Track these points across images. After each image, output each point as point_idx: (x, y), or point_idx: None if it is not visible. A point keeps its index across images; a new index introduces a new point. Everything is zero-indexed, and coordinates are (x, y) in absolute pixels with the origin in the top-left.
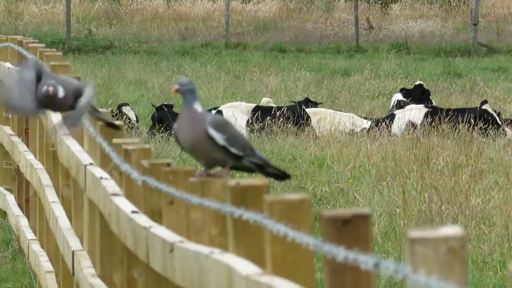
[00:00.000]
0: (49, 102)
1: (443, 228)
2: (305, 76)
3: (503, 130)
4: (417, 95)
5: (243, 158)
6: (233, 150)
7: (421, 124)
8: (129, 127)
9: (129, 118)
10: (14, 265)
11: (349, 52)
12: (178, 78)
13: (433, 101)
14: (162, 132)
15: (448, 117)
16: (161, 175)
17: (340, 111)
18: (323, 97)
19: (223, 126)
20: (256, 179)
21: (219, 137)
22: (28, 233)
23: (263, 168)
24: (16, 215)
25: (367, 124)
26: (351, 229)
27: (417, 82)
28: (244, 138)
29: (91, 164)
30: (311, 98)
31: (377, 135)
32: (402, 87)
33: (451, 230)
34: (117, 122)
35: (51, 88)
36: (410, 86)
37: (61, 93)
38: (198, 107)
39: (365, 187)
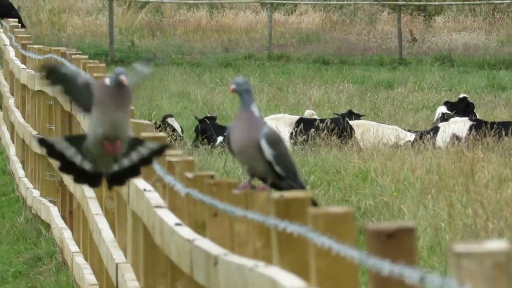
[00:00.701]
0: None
1: (488, 242)
2: (348, 88)
3: None
4: (462, 108)
5: (284, 179)
6: (277, 168)
7: (465, 137)
8: (173, 139)
9: (174, 129)
10: (58, 277)
11: (392, 64)
12: (233, 79)
13: (477, 114)
14: (205, 144)
15: (493, 130)
16: (205, 187)
17: (383, 123)
18: (366, 109)
19: (276, 142)
20: (300, 192)
21: (268, 152)
22: (71, 246)
23: None
24: (59, 227)
25: (411, 137)
26: (396, 243)
27: (461, 95)
28: (291, 160)
29: None
30: (355, 111)
31: (421, 148)
32: (446, 100)
33: (496, 244)
34: (161, 134)
35: (123, 77)
36: (454, 99)
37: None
38: (255, 109)
39: (409, 201)
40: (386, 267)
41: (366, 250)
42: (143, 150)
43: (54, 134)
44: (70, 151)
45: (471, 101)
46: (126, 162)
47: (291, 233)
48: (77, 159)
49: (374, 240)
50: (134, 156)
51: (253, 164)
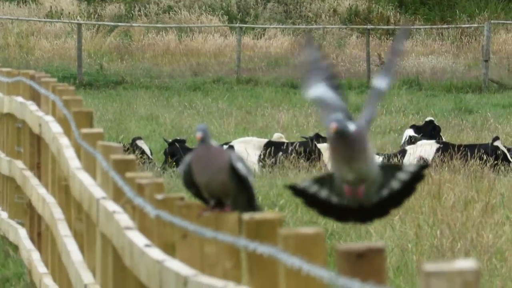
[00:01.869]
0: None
1: (457, 261)
2: (316, 111)
3: None
4: (428, 131)
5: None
6: (248, 183)
7: (432, 159)
8: (141, 162)
9: (143, 152)
10: None
11: (360, 88)
12: (197, 125)
13: (443, 137)
14: (174, 167)
15: (460, 152)
16: (175, 209)
17: None
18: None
19: (242, 160)
20: (271, 213)
21: (242, 168)
22: (40, 267)
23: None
24: (28, 249)
25: (378, 159)
26: (365, 263)
27: (428, 119)
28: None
29: (104, 198)
30: (322, 134)
31: None
32: (413, 123)
33: (465, 263)
34: (130, 156)
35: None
36: (421, 123)
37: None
38: (213, 143)
39: (376, 222)
40: (355, 286)
41: (336, 270)
42: (402, 175)
43: (23, 156)
44: (323, 193)
45: (437, 124)
46: (385, 192)
47: (261, 254)
48: (332, 198)
49: (344, 260)
50: (394, 184)
51: (223, 188)
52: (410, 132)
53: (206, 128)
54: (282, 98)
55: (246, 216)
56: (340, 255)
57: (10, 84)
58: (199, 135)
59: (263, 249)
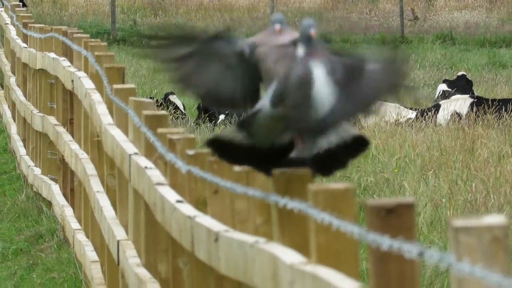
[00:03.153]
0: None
1: (487, 217)
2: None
3: None
4: (461, 85)
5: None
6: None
7: (466, 114)
8: (175, 117)
9: (176, 107)
10: (59, 255)
11: (394, 42)
12: (273, 17)
13: (474, 91)
14: (207, 122)
15: (494, 107)
16: (206, 164)
17: (385, 101)
18: None
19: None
20: (301, 169)
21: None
22: (73, 223)
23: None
24: (61, 205)
25: (412, 114)
26: (395, 218)
27: (460, 73)
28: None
29: (136, 154)
30: None
31: (422, 126)
32: (445, 78)
33: (495, 219)
34: (162, 112)
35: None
36: (454, 77)
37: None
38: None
39: (410, 177)
40: (385, 242)
41: (366, 226)
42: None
43: (55, 112)
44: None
45: (469, 79)
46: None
47: (291, 210)
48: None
49: (373, 216)
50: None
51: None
52: (443, 86)
53: (283, 19)
54: None
55: (277, 171)
56: (370, 211)
57: (43, 40)
58: (277, 27)
59: (293, 204)
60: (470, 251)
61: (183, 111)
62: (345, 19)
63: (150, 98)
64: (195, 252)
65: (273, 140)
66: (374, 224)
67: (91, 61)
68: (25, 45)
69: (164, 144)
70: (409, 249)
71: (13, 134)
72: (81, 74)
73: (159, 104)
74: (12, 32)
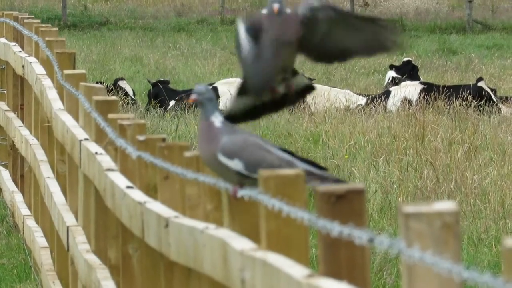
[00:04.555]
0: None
1: (437, 203)
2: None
3: (497, 107)
4: (407, 71)
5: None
6: (255, 175)
7: (416, 100)
8: (125, 102)
9: (126, 93)
10: (9, 241)
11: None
12: (195, 86)
13: (421, 77)
14: (157, 108)
15: (444, 93)
16: (157, 150)
17: (335, 87)
18: (318, 73)
19: (236, 152)
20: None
21: (233, 164)
22: (23, 209)
23: None
24: (11, 191)
25: (362, 100)
26: (345, 204)
27: (406, 59)
28: (262, 154)
29: (86, 139)
30: (306, 75)
31: (372, 112)
32: (390, 64)
33: (445, 205)
34: (112, 97)
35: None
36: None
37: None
38: (216, 119)
39: (360, 164)
40: (335, 228)
41: (316, 212)
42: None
43: (6, 98)
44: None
45: (415, 64)
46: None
47: (241, 196)
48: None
49: (324, 202)
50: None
51: (223, 176)
52: (392, 73)
53: (206, 91)
54: None
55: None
56: (321, 197)
57: None
58: (192, 97)
59: (243, 191)
60: (420, 237)
61: (133, 97)
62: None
63: (100, 83)
64: (145, 238)
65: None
66: (324, 210)
67: (42, 47)
68: None
69: (114, 130)
70: (359, 235)
71: None
72: (32, 59)
73: (109, 89)
74: None
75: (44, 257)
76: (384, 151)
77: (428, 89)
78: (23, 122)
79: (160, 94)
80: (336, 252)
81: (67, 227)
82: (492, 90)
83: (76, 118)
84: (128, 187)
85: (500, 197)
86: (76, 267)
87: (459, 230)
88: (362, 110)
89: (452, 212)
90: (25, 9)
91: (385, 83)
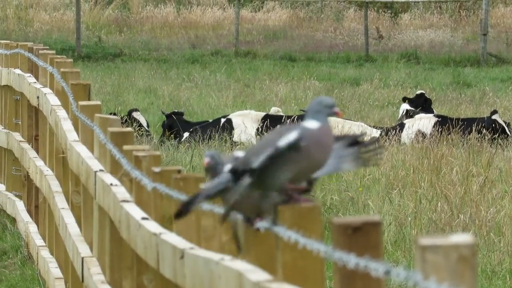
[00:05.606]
0: None
1: (454, 235)
2: (314, 85)
3: None
4: (420, 104)
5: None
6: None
7: (430, 133)
8: (139, 134)
9: (140, 124)
10: (23, 271)
11: (358, 61)
12: (205, 152)
13: (434, 110)
14: (171, 140)
15: (458, 126)
16: (172, 181)
17: (349, 120)
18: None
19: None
20: None
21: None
22: (37, 240)
23: None
24: (25, 222)
25: (376, 133)
26: (361, 237)
27: (419, 92)
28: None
29: (101, 170)
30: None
31: (386, 144)
32: (403, 96)
33: (462, 238)
34: (127, 129)
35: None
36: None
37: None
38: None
39: (375, 196)
40: (352, 260)
41: (332, 244)
42: None
43: (20, 129)
44: None
45: (428, 97)
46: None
47: (257, 227)
48: None
49: (340, 234)
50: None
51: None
52: (406, 106)
53: (218, 156)
54: (280, 71)
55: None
56: (337, 229)
57: (9, 56)
58: (205, 161)
59: (259, 222)
60: (437, 270)
61: (147, 128)
62: (310, 38)
63: (114, 114)
64: (160, 269)
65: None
66: (341, 242)
67: (56, 78)
68: None
69: (129, 161)
70: (376, 267)
71: None
72: (47, 90)
73: (123, 121)
74: None
75: None
76: (398, 183)
77: (442, 122)
78: (37, 153)
79: (174, 125)
80: (352, 284)
81: (82, 258)
82: (506, 123)
83: (91, 149)
84: (143, 218)
85: None
86: None
87: (476, 263)
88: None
89: (469, 244)
90: (39, 40)
91: (399, 116)
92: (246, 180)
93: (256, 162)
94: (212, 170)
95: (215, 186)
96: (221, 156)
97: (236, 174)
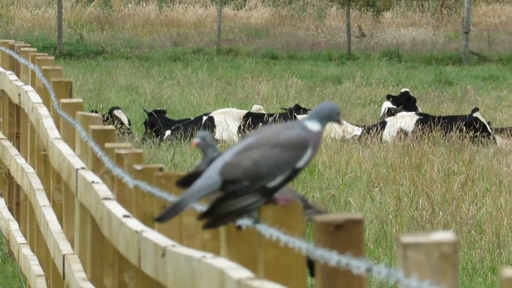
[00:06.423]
0: None
1: (435, 233)
2: (296, 83)
3: (493, 138)
4: (404, 102)
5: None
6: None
7: (412, 131)
8: (120, 132)
9: (121, 122)
10: (4, 268)
11: (340, 59)
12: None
13: (419, 108)
14: (153, 137)
15: (439, 124)
16: (154, 179)
17: None
18: (314, 104)
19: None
20: None
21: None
22: (18, 237)
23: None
24: (6, 219)
25: (358, 131)
26: (343, 234)
27: (403, 90)
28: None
29: (83, 168)
30: (302, 105)
31: (368, 142)
32: (388, 94)
33: (443, 235)
34: (109, 127)
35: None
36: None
37: None
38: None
39: (356, 194)
40: (333, 258)
41: (314, 242)
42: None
43: (1, 126)
44: None
45: (412, 96)
46: None
47: (239, 225)
48: None
49: (322, 232)
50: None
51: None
52: (388, 104)
53: (210, 138)
54: (262, 69)
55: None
56: (318, 227)
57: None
58: (195, 141)
59: (241, 220)
60: (418, 267)
61: (128, 126)
62: (292, 36)
63: (95, 112)
64: (142, 267)
65: None
66: (322, 240)
67: (38, 75)
68: None
69: (111, 159)
70: (358, 265)
71: None
72: (28, 88)
73: (104, 119)
74: None
75: (39, 285)
76: (380, 181)
77: (424, 119)
78: (19, 151)
79: (156, 123)
80: (334, 281)
81: (63, 255)
82: (487, 122)
83: (73, 147)
84: (125, 216)
85: (495, 228)
86: None
87: (457, 261)
88: (358, 141)
89: (450, 242)
90: (20, 38)
91: (380, 114)
92: (255, 196)
93: (272, 183)
94: (202, 151)
95: (201, 190)
96: (213, 138)
97: (229, 183)
